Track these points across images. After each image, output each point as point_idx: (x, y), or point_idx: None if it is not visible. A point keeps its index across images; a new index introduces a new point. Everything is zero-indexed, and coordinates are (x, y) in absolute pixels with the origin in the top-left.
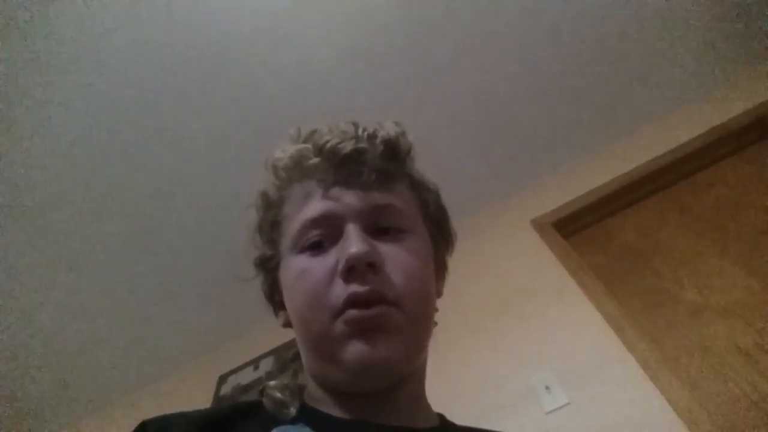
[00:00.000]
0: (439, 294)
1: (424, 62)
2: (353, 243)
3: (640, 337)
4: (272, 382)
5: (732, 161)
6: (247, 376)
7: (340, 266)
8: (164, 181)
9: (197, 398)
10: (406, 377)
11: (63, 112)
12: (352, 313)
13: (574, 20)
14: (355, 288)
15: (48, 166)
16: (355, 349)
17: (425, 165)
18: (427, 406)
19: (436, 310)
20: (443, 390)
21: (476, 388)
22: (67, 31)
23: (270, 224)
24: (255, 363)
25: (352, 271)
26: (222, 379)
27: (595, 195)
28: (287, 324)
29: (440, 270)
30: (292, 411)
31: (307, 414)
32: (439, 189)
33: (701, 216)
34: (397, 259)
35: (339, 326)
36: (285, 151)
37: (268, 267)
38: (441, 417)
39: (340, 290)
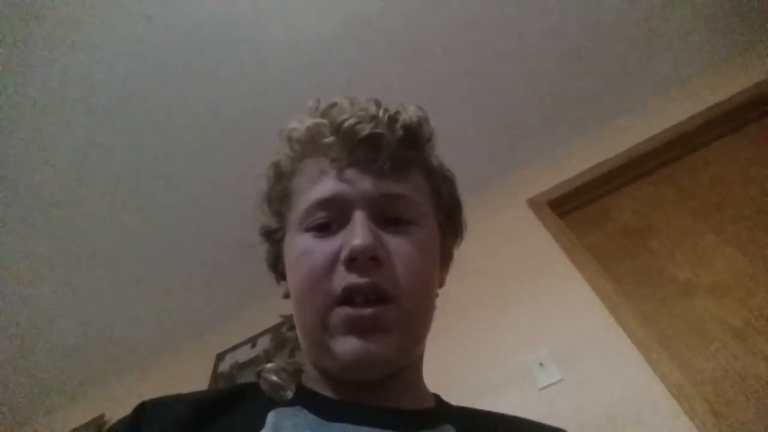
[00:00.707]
0: (441, 284)
1: (419, 44)
2: (358, 234)
3: (633, 315)
4: (269, 365)
5: (730, 140)
6: (244, 354)
7: (343, 255)
8: (162, 161)
9: (196, 376)
10: (403, 367)
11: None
12: (348, 311)
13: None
14: (355, 279)
15: (51, 152)
16: (348, 345)
17: None
18: (424, 388)
19: (437, 295)
20: (438, 369)
21: (471, 366)
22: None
23: (279, 196)
24: (252, 341)
25: (354, 262)
26: (220, 357)
27: (591, 174)
28: (287, 295)
29: (445, 260)
30: (289, 393)
31: (304, 396)
32: (455, 179)
33: (697, 195)
34: (402, 254)
35: (335, 317)
36: (301, 123)
37: (274, 238)
38: (437, 398)
39: (340, 278)
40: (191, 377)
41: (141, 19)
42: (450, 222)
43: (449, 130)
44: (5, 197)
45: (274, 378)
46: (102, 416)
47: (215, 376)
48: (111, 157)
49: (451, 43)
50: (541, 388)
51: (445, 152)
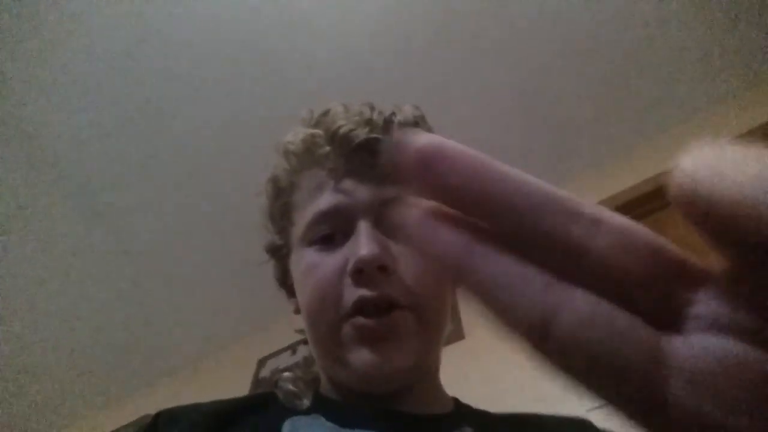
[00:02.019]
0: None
1: (446, 58)
2: (363, 244)
3: None
4: (285, 374)
5: None
6: (285, 361)
7: (349, 267)
8: (206, 166)
9: (237, 380)
10: (420, 376)
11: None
12: (361, 320)
13: (600, 26)
14: (364, 292)
15: (96, 144)
16: (362, 356)
17: None
18: (442, 392)
19: (453, 295)
20: (482, 389)
21: (514, 386)
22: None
23: (280, 212)
24: (293, 348)
25: (361, 273)
26: (261, 363)
27: (608, 204)
28: (298, 311)
29: None
30: (306, 402)
31: (321, 404)
32: None
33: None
34: (411, 259)
35: (347, 330)
36: (296, 135)
37: (279, 255)
38: (456, 401)
39: (349, 293)
40: (233, 382)
41: (172, 39)
42: None
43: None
44: (59, 191)
45: (291, 387)
46: (146, 416)
47: (256, 381)
48: (158, 155)
49: (472, 58)
50: (588, 410)
51: None
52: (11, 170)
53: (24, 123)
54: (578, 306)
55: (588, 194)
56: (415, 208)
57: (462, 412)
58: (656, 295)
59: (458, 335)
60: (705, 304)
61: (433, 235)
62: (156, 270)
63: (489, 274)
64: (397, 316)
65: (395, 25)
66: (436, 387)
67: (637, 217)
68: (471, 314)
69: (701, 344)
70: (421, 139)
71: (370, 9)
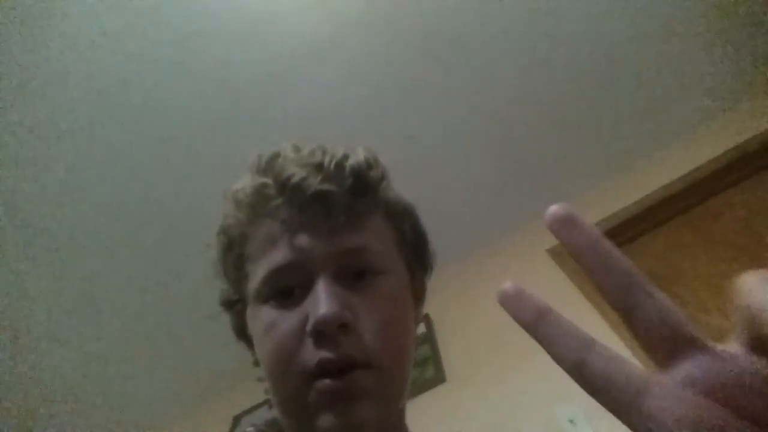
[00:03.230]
0: (417, 320)
1: (438, 96)
2: (323, 303)
3: None
4: (249, 428)
5: (753, 182)
6: (261, 417)
7: (309, 327)
8: (180, 226)
9: None
10: (391, 425)
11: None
12: (324, 383)
13: (586, 46)
14: (325, 354)
15: (68, 208)
16: (327, 421)
17: (440, 196)
18: None
19: (414, 344)
20: (460, 425)
21: (495, 423)
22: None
23: (233, 264)
24: (269, 403)
25: (321, 334)
26: (236, 420)
27: (610, 222)
28: (258, 363)
29: (418, 296)
30: None
31: None
32: (415, 210)
33: (722, 239)
34: (371, 312)
35: (312, 395)
36: (246, 183)
37: (235, 309)
38: None
39: (310, 354)
40: None
41: (162, 88)
42: (417, 257)
43: (468, 180)
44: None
45: None
46: None
47: None
48: (129, 220)
49: (469, 88)
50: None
51: (464, 203)
52: None
53: None
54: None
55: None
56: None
57: None
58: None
59: (440, 378)
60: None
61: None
62: (126, 329)
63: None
64: (358, 375)
65: (361, 57)
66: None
67: (619, 244)
68: (452, 358)
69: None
70: (556, 208)
71: (345, 50)
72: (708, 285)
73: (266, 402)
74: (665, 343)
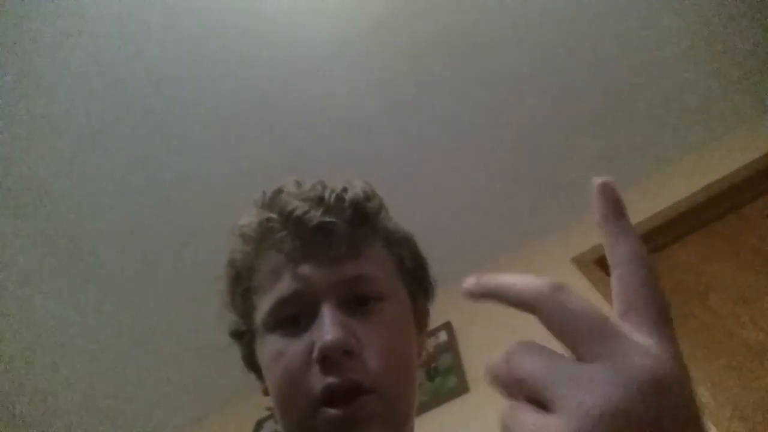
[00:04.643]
0: (421, 350)
1: (464, 102)
2: (327, 330)
3: (698, 380)
4: None
5: None
6: None
7: (315, 354)
8: (201, 226)
9: None
10: None
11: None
12: (330, 412)
13: (612, 51)
14: (331, 380)
15: (98, 206)
16: None
17: (465, 204)
18: None
19: (419, 367)
20: None
21: None
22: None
23: (241, 296)
24: None
25: (326, 360)
26: (259, 424)
27: (638, 230)
28: (267, 392)
29: (421, 323)
30: None
31: None
32: (414, 238)
33: (755, 249)
34: (375, 338)
35: (318, 422)
36: (251, 218)
37: (244, 340)
38: None
39: (317, 380)
40: None
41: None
42: (418, 283)
43: (492, 190)
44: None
45: None
46: None
47: None
48: (165, 224)
49: (495, 101)
50: None
51: (489, 212)
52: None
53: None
54: None
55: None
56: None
57: None
58: None
59: (463, 388)
60: None
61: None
62: (156, 330)
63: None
64: (364, 401)
65: (392, 76)
66: None
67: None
68: (475, 369)
69: None
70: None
71: (369, 65)
72: (742, 297)
73: None
74: None
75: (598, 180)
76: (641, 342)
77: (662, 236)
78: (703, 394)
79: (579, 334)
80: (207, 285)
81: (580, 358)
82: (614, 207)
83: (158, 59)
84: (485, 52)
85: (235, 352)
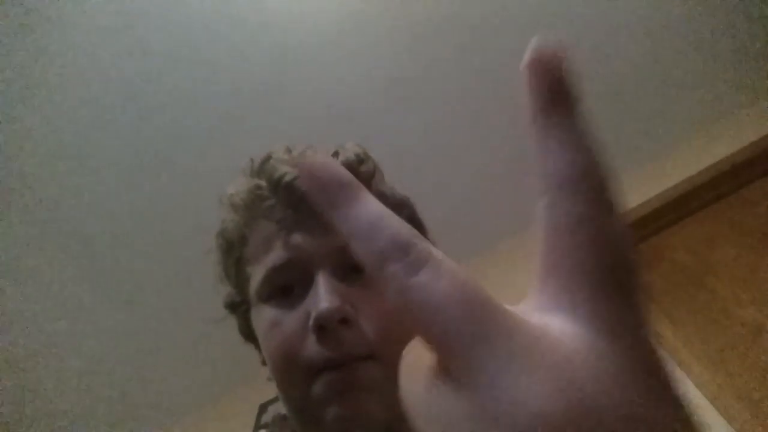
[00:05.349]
0: None
1: (467, 83)
2: (322, 298)
3: (696, 359)
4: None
5: None
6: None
7: (311, 323)
8: (203, 216)
9: (239, 427)
10: (398, 418)
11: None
12: (328, 376)
13: (613, 32)
14: (327, 351)
15: (102, 201)
16: (334, 414)
17: (461, 193)
18: None
19: None
20: None
21: None
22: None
23: (234, 267)
24: None
25: (323, 329)
26: (263, 408)
27: (638, 212)
28: (265, 363)
29: None
30: None
31: None
32: (411, 202)
33: (755, 230)
34: (372, 305)
35: (316, 389)
36: (240, 186)
37: (240, 311)
38: None
39: (313, 350)
40: (234, 428)
41: (177, 84)
42: None
43: (496, 167)
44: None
45: None
46: None
47: (258, 426)
48: (162, 214)
49: (498, 88)
50: None
51: (486, 201)
52: (7, 221)
53: (14, 176)
54: None
55: None
56: None
57: None
58: None
59: None
60: None
61: None
62: (158, 316)
63: None
64: (362, 367)
65: (396, 64)
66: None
67: (639, 240)
68: None
69: None
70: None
71: (375, 49)
72: (741, 277)
73: None
74: None
75: (530, 47)
76: (552, 335)
77: (662, 218)
78: (700, 371)
79: (435, 330)
80: (210, 276)
81: (443, 373)
82: (551, 92)
83: (157, 54)
84: (487, 38)
85: (238, 336)
